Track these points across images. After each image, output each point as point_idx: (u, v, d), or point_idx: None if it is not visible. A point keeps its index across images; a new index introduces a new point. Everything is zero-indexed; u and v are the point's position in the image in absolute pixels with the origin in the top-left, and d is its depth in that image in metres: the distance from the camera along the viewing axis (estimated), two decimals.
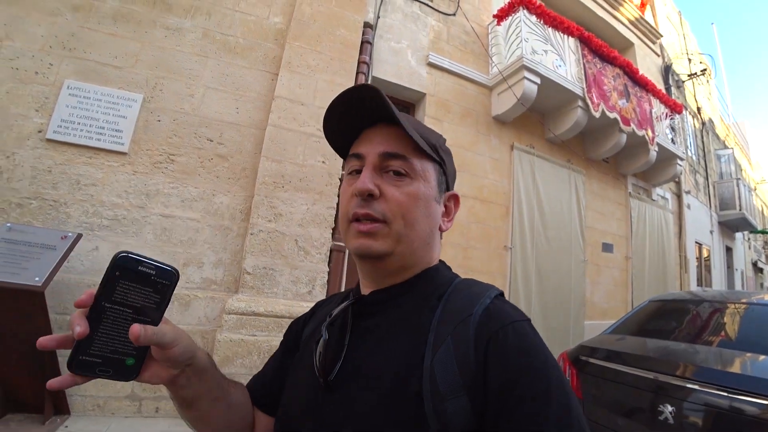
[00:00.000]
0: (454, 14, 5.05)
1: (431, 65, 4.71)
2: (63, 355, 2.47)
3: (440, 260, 0.64)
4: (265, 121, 3.41)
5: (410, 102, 4.82)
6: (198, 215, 3.14)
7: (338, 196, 3.54)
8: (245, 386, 0.71)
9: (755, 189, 13.94)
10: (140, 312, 0.45)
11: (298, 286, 3.26)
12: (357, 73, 3.89)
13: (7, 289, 2.11)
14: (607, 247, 6.60)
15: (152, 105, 3.11)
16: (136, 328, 0.42)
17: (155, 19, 3.23)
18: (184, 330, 0.51)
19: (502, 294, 0.56)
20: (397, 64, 4.46)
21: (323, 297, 3.42)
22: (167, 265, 0.47)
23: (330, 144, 0.66)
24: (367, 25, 4.09)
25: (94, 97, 2.93)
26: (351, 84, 3.78)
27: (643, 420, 1.99)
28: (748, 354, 2.06)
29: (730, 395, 1.73)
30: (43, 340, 0.43)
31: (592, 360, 2.36)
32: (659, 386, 1.97)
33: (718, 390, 1.77)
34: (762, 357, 2.00)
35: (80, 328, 0.41)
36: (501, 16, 5.09)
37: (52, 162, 2.82)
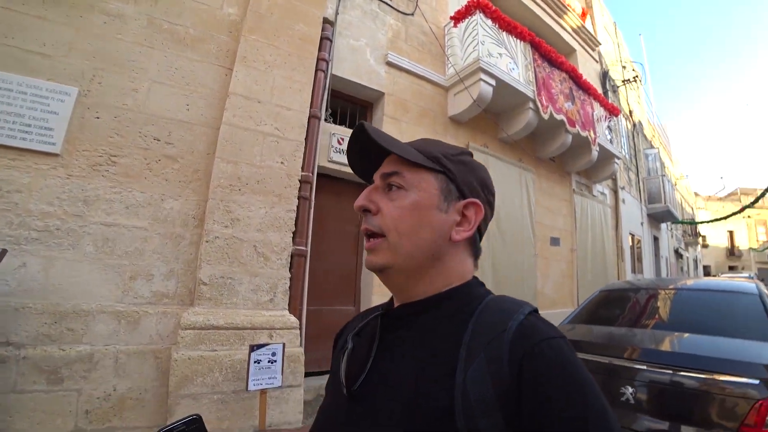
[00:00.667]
0: (412, 14, 5.04)
1: (390, 64, 4.68)
2: None
3: (474, 276, 0.64)
4: (219, 119, 3.19)
5: (369, 101, 4.76)
6: (145, 223, 2.87)
7: (297, 198, 3.41)
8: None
9: (676, 184, 15.46)
10: None
11: (259, 295, 3.10)
12: (316, 71, 3.75)
13: None
14: (554, 241, 7.00)
15: (89, 100, 2.79)
16: None
17: (92, 3, 2.89)
18: None
19: (536, 310, 0.55)
20: (356, 62, 4.37)
21: (285, 304, 3.31)
22: (188, 417, 0.55)
23: (357, 174, 0.69)
24: (326, 21, 3.96)
25: (17, 89, 2.57)
26: (310, 81, 3.66)
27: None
28: (678, 333, 2.38)
29: (671, 372, 1.97)
30: None
31: None
32: (613, 369, 2.17)
33: (661, 368, 2.01)
34: (687, 335, 2.34)
35: None
36: (458, 18, 5.17)
37: None
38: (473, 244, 0.64)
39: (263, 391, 2.66)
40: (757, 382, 1.74)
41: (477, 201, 0.62)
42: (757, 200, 11.66)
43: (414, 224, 0.57)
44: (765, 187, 11.43)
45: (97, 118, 2.81)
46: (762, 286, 2.92)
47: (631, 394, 2.04)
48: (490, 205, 0.65)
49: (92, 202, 2.71)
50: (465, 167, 0.63)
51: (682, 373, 1.93)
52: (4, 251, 2.20)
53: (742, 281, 3.13)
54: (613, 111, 7.71)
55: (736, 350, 2.02)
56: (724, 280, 3.35)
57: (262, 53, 3.40)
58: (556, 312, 6.65)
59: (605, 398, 0.47)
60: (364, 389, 0.55)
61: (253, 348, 2.61)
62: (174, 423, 0.49)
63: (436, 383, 0.49)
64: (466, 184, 0.62)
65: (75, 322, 2.50)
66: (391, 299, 0.67)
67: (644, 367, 2.06)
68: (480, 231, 0.64)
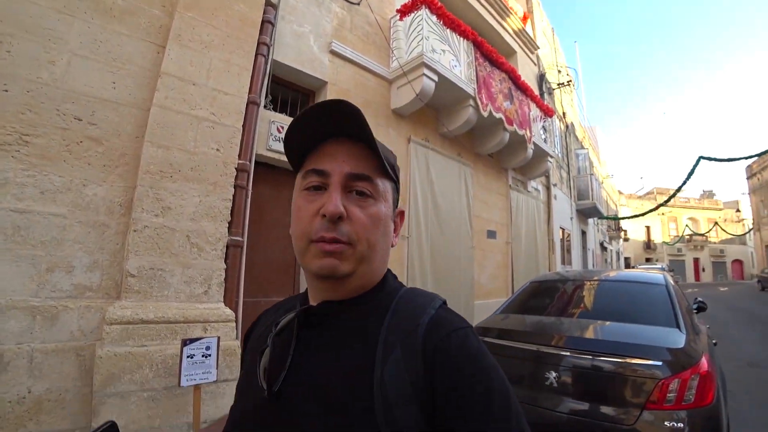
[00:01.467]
0: (358, 3, 5.07)
1: (333, 53, 4.68)
2: None
3: (388, 269, 0.66)
4: (149, 100, 3.04)
5: (311, 89, 4.74)
6: (64, 210, 2.69)
7: (234, 187, 3.36)
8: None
9: (602, 182, 16.97)
10: None
11: (192, 287, 3.03)
12: (256, 55, 3.68)
13: None
14: (491, 234, 7.43)
15: None
16: None
17: None
18: None
19: (445, 303, 0.59)
20: (299, 49, 4.33)
21: (221, 297, 3.27)
22: (101, 425, 0.57)
23: (288, 156, 0.62)
24: (269, 3, 3.87)
25: None
26: (249, 65, 3.59)
27: (534, 387, 2.34)
28: (600, 321, 2.60)
29: (591, 357, 2.18)
30: None
31: (487, 339, 2.66)
32: (540, 356, 2.36)
33: (582, 354, 2.22)
34: (608, 322, 2.56)
35: None
36: (404, 11, 5.27)
37: None
38: None
39: (197, 387, 2.62)
40: (660, 363, 1.99)
41: (403, 209, 0.68)
42: (669, 199, 13.13)
43: (380, 235, 0.58)
44: (676, 188, 12.86)
45: (6, 91, 2.56)
46: (669, 277, 3.23)
47: (555, 378, 2.24)
48: None
49: (1, 185, 2.50)
50: (399, 174, 0.66)
51: (601, 358, 2.15)
52: None
53: (654, 272, 3.42)
54: (548, 112, 8.27)
55: (645, 336, 2.26)
56: (640, 272, 3.66)
57: (199, 32, 3.28)
58: (492, 302, 7.07)
59: (508, 381, 0.52)
60: (283, 389, 0.54)
61: (186, 342, 2.57)
62: None
63: (356, 380, 0.51)
64: (398, 192, 0.66)
65: None
66: (305, 293, 0.66)
67: (568, 354, 2.26)
68: None
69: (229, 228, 3.30)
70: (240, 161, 3.41)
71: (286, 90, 4.57)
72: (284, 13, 4.18)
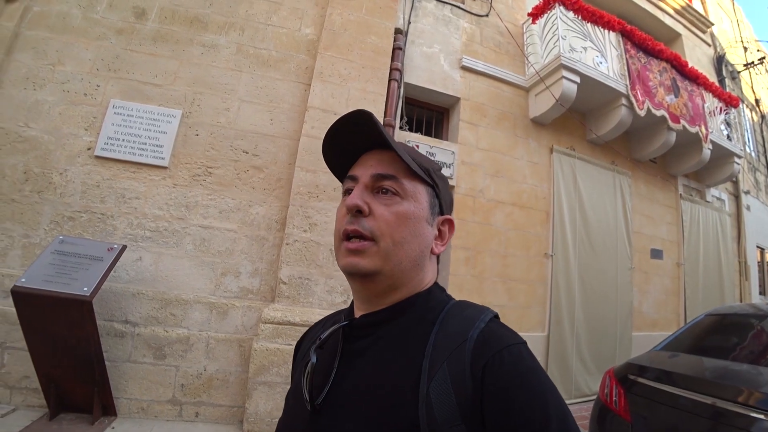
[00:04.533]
0: (486, 15, 4.96)
1: (465, 68, 4.64)
2: (110, 360, 2.60)
3: (435, 282, 0.64)
4: (299, 131, 3.48)
5: (444, 107, 4.77)
6: (235, 226, 3.23)
7: None
8: None
9: None
10: None
11: (333, 296, 3.28)
12: (389, 80, 3.89)
13: (60, 298, 2.25)
14: (656, 254, 6.23)
15: (190, 120, 3.24)
16: None
17: (192, 38, 3.37)
18: None
19: (496, 316, 0.56)
20: (430, 69, 4.43)
21: None
22: None
23: (329, 167, 0.68)
24: (398, 31, 4.09)
25: (136, 114, 3.10)
26: (383, 91, 3.80)
27: None
28: None
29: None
30: None
31: (641, 380, 2.20)
32: (718, 413, 1.77)
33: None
34: None
35: None
36: (536, 14, 4.95)
37: (100, 177, 3.00)
38: (438, 256, 0.66)
39: None
40: None
41: (452, 218, 0.66)
42: None
43: (408, 234, 0.57)
44: None
45: (197, 135, 3.24)
46: None
47: None
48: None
49: (192, 207, 3.13)
50: (445, 184, 0.66)
51: None
52: (124, 247, 2.64)
53: None
54: (730, 101, 6.68)
55: None
56: None
57: (337, 68, 3.63)
58: (657, 335, 5.83)
59: (566, 404, 0.47)
60: (327, 403, 0.54)
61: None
62: None
63: (399, 396, 0.49)
64: (446, 200, 0.66)
65: (176, 308, 2.90)
66: (351, 306, 0.66)
67: (762, 417, 1.62)
68: None
69: None
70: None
71: (421, 110, 4.70)
72: (413, 38, 4.35)
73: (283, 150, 3.47)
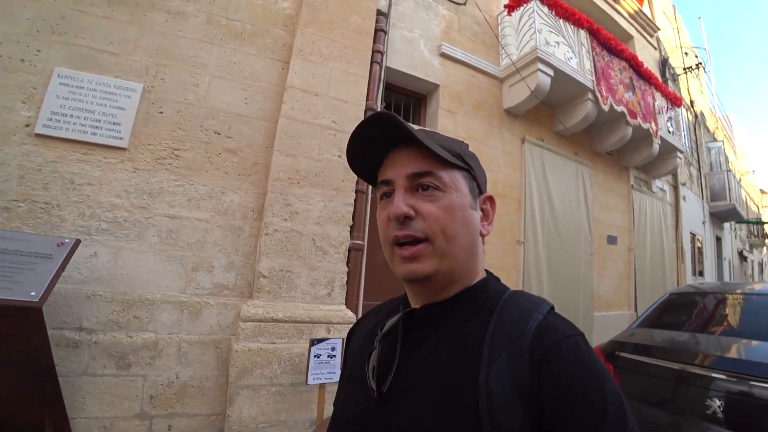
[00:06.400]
0: (464, 4, 4.72)
1: (444, 56, 4.39)
2: (63, 375, 2.12)
3: (487, 271, 0.63)
4: (277, 112, 3.07)
5: (422, 94, 4.51)
6: (207, 215, 2.79)
7: (355, 192, 3.24)
8: None
9: (741, 180, 13.93)
10: None
11: (317, 289, 2.95)
12: (372, 63, 3.56)
13: (0, 306, 1.76)
14: (611, 240, 6.41)
15: (153, 95, 2.74)
16: None
17: (154, 2, 2.84)
18: None
19: (553, 308, 0.55)
20: (411, 54, 4.13)
21: (342, 299, 3.13)
22: None
23: (357, 173, 0.65)
24: (380, 12, 3.74)
25: (88, 86, 2.55)
26: (366, 74, 3.47)
27: (683, 413, 1.97)
28: (754, 341, 2.09)
29: (742, 381, 1.77)
30: None
31: (623, 354, 2.40)
32: (683, 376, 2.01)
33: (732, 377, 1.82)
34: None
35: None
36: (512, 6, 4.79)
37: (42, 159, 2.44)
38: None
39: (322, 386, 2.51)
40: None
41: (491, 195, 0.64)
42: None
43: (458, 226, 0.56)
44: None
45: (161, 113, 2.75)
46: None
47: (719, 407, 1.79)
48: None
49: (157, 194, 2.66)
50: (477, 162, 0.64)
51: (755, 383, 1.73)
52: (78, 241, 2.15)
53: None
54: (675, 101, 6.97)
55: None
56: None
57: (319, 46, 3.25)
58: (612, 314, 6.09)
59: (622, 393, 0.47)
60: (391, 390, 0.53)
61: (314, 342, 2.46)
62: None
63: (460, 383, 0.49)
64: (481, 179, 0.63)
65: (141, 310, 2.45)
66: (405, 297, 0.65)
67: (715, 375, 1.87)
68: None
69: (350, 232, 3.17)
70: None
71: (399, 95, 4.40)
72: (394, 21, 4.03)
73: (259, 132, 3.05)
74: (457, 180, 0.58)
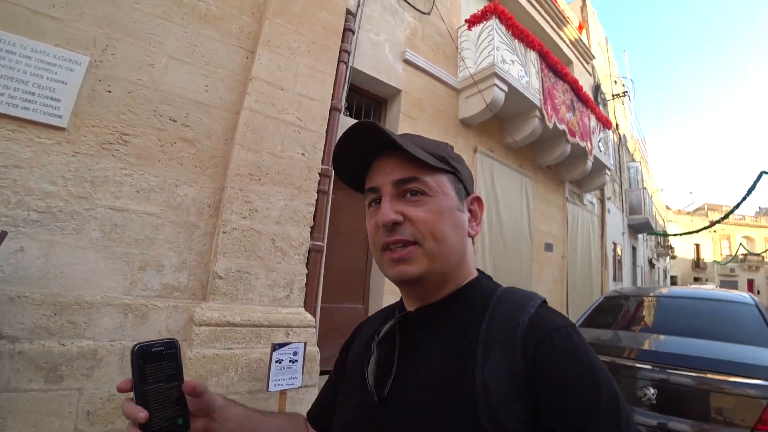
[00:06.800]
0: (428, 14, 4.80)
1: (407, 62, 4.42)
2: None
3: (479, 270, 0.64)
4: (239, 103, 2.89)
5: (383, 97, 4.50)
6: (157, 209, 2.53)
7: (317, 192, 3.14)
8: (304, 414, 0.73)
9: (652, 197, 15.67)
10: (170, 379, 0.47)
11: (276, 291, 2.80)
12: (338, 62, 3.48)
13: None
14: (548, 247, 6.86)
15: (101, 71, 2.43)
16: (190, 384, 0.48)
17: None
18: None
19: (545, 301, 0.55)
20: (376, 57, 4.10)
21: (301, 301, 3.01)
22: (167, 339, 0.49)
23: (344, 181, 0.64)
24: (349, 12, 3.68)
25: (21, 53, 2.20)
26: (332, 72, 3.39)
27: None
28: (691, 338, 2.40)
29: (695, 374, 1.99)
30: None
31: None
32: (614, 368, 2.20)
33: (654, 366, 2.12)
34: (702, 340, 2.36)
35: (142, 414, 0.43)
36: (473, 21, 4.95)
37: None
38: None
39: (283, 392, 2.38)
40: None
41: (478, 195, 0.64)
42: (726, 216, 11.88)
43: (447, 228, 0.55)
44: (734, 205, 11.66)
45: (109, 92, 2.46)
46: (755, 297, 3.04)
47: (653, 395, 2.05)
48: None
49: (100, 183, 2.37)
50: (462, 164, 0.63)
51: (704, 376, 1.96)
52: (4, 233, 1.84)
53: (733, 291, 3.31)
54: (606, 124, 7.66)
55: (745, 355, 2.09)
56: (717, 290, 3.54)
57: (287, 39, 3.11)
58: None
59: (615, 382, 0.47)
60: (391, 393, 0.54)
61: (275, 347, 2.32)
62: (154, 341, 0.47)
63: (459, 381, 0.49)
64: (468, 180, 0.63)
65: (77, 314, 2.15)
66: (401, 301, 0.66)
67: (639, 365, 2.16)
68: None
69: (311, 233, 3.06)
70: (323, 166, 3.18)
71: (360, 97, 4.35)
72: (362, 23, 3.98)
73: (219, 123, 2.84)
74: (443, 183, 0.58)
